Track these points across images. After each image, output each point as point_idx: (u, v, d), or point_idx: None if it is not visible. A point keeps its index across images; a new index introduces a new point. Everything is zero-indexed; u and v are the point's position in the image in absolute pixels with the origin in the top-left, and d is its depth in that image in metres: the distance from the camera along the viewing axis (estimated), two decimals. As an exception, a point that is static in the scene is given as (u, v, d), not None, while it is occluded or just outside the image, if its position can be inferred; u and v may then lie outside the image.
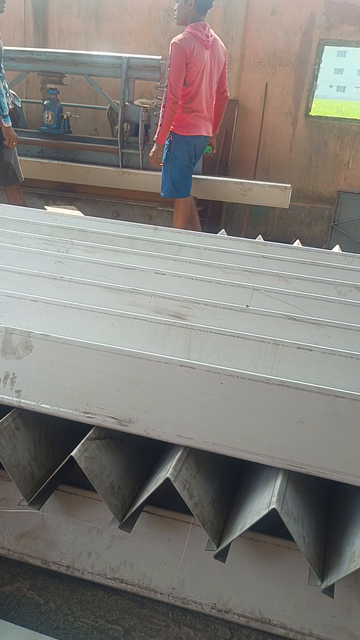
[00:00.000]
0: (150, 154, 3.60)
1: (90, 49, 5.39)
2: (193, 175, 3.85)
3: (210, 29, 3.43)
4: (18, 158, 3.90)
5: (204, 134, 3.64)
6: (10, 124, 3.58)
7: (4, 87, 3.54)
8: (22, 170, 3.93)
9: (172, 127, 3.50)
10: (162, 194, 3.77)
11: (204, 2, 3.32)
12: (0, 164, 3.74)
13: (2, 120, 3.50)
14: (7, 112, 3.53)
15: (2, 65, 3.55)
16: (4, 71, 3.58)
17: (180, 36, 3.30)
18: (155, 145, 3.56)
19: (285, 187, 4.37)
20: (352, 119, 5.43)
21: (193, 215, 4.03)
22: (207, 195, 4.47)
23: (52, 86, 4.67)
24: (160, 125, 3.45)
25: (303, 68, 5.20)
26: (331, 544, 1.30)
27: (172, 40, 3.29)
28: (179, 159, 3.60)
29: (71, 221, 2.50)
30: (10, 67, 4.59)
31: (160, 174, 3.78)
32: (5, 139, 3.60)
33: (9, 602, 1.44)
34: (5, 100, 3.49)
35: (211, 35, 3.41)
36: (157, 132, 3.51)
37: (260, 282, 1.91)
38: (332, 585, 1.19)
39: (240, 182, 4.37)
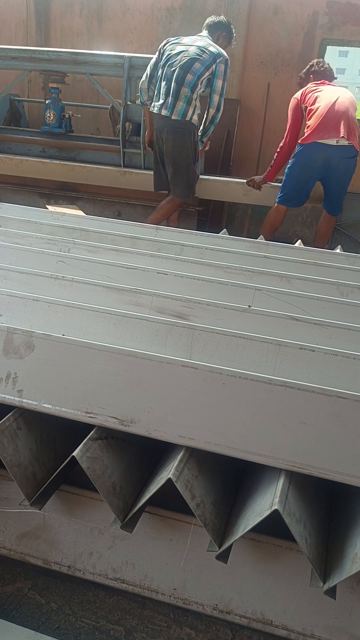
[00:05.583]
0: None
1: (92, 48, 5.39)
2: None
3: None
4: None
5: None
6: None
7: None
8: (24, 170, 3.91)
9: None
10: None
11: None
12: (193, 175, 3.76)
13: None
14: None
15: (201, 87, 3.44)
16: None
17: None
18: None
19: (287, 187, 4.34)
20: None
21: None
22: (208, 195, 4.46)
23: (54, 85, 4.66)
24: None
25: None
26: (333, 545, 1.29)
27: None
28: None
29: (73, 221, 2.50)
30: (12, 66, 4.59)
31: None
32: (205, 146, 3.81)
33: (10, 602, 1.44)
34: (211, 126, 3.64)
35: None
36: None
37: (262, 282, 1.91)
38: (334, 587, 1.19)
39: (242, 182, 4.37)
